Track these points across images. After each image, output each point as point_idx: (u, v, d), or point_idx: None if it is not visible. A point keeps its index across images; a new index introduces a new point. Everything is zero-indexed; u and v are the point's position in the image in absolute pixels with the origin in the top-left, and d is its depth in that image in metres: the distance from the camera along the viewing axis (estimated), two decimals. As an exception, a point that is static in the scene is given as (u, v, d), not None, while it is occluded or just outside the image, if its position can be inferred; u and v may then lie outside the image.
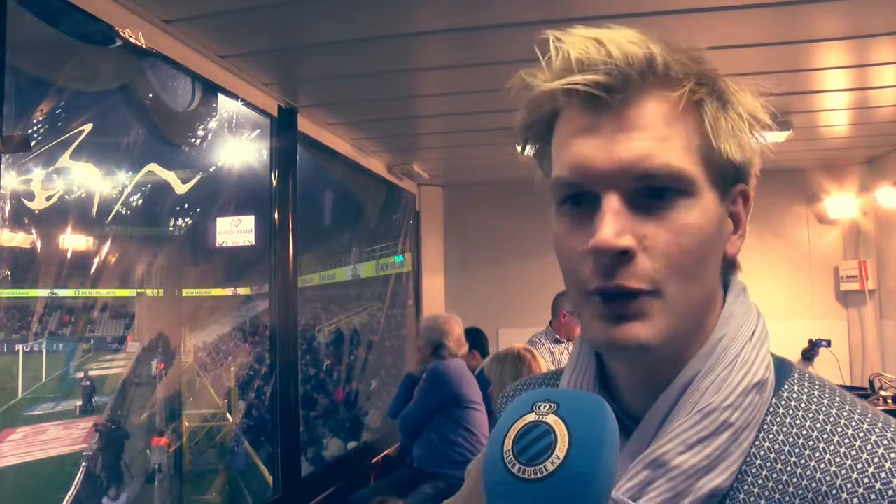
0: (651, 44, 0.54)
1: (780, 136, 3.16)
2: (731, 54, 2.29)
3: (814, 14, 2.05)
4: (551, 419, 0.47)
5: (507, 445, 0.47)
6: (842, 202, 4.20)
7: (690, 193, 0.55)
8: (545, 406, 0.48)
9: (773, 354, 0.60)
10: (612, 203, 0.54)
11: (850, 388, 3.79)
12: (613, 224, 0.53)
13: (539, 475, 0.45)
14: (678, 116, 0.55)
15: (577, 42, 0.54)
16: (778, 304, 4.05)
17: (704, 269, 0.56)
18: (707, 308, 0.59)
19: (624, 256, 0.53)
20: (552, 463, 0.45)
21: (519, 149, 0.64)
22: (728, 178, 0.58)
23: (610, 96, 0.54)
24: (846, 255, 4.27)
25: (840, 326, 4.22)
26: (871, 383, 3.64)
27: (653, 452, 0.55)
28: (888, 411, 0.56)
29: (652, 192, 0.54)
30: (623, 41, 0.54)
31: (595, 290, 0.55)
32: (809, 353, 4.18)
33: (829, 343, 4.14)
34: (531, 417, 0.48)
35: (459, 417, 3.14)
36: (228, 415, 11.17)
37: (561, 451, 0.45)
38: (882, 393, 3.45)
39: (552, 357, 3.42)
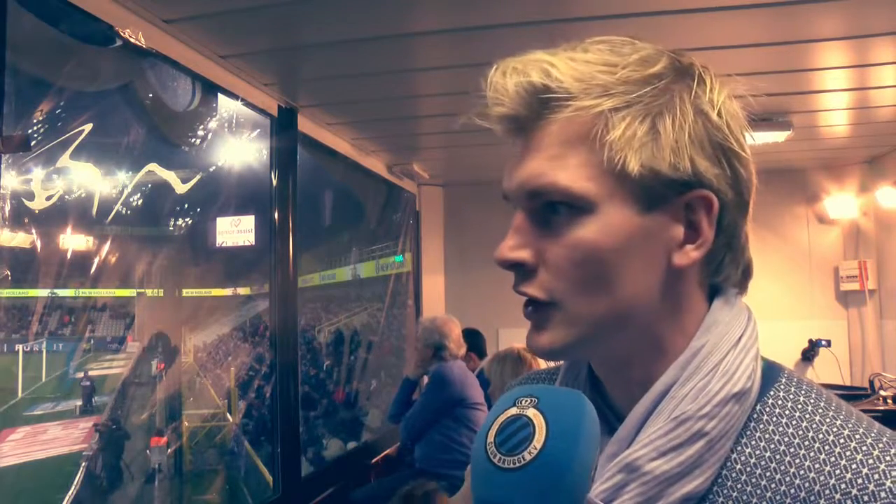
0: (555, 67, 0.54)
1: (780, 136, 3.16)
2: (732, 54, 2.29)
3: (814, 14, 2.05)
4: (531, 412, 0.49)
5: (490, 438, 0.50)
6: (842, 202, 4.20)
7: (586, 210, 0.55)
8: (526, 401, 0.50)
9: (763, 359, 0.60)
10: (517, 219, 0.59)
11: (850, 389, 3.80)
12: (511, 239, 0.58)
13: (517, 464, 0.47)
14: (579, 134, 0.55)
15: (492, 75, 0.57)
16: (778, 304, 4.05)
17: (612, 282, 0.56)
18: (647, 321, 0.58)
19: (521, 268, 0.58)
20: (529, 453, 0.47)
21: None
22: (657, 188, 0.55)
23: (504, 127, 0.58)
24: (846, 255, 4.26)
25: (840, 326, 4.21)
26: (871, 383, 3.63)
27: (627, 457, 0.56)
28: (888, 411, 0.56)
29: (549, 209, 0.57)
30: (530, 69, 0.55)
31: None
32: (809, 353, 4.17)
33: (829, 343, 4.14)
34: (513, 411, 0.50)
35: (463, 417, 3.15)
36: (228, 415, 11.17)
37: (538, 441, 0.47)
38: (882, 393, 3.44)
39: (552, 357, 3.41)
